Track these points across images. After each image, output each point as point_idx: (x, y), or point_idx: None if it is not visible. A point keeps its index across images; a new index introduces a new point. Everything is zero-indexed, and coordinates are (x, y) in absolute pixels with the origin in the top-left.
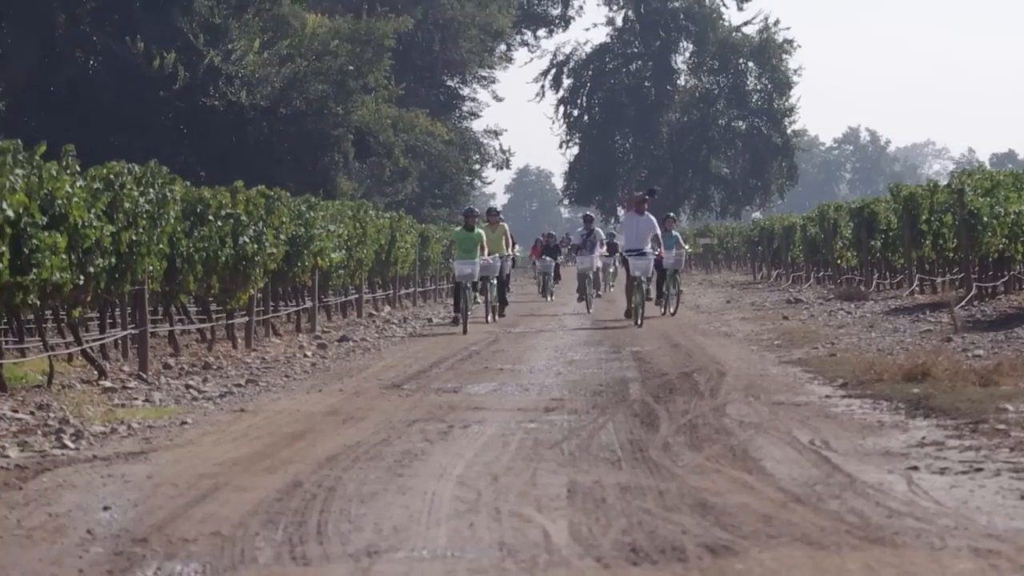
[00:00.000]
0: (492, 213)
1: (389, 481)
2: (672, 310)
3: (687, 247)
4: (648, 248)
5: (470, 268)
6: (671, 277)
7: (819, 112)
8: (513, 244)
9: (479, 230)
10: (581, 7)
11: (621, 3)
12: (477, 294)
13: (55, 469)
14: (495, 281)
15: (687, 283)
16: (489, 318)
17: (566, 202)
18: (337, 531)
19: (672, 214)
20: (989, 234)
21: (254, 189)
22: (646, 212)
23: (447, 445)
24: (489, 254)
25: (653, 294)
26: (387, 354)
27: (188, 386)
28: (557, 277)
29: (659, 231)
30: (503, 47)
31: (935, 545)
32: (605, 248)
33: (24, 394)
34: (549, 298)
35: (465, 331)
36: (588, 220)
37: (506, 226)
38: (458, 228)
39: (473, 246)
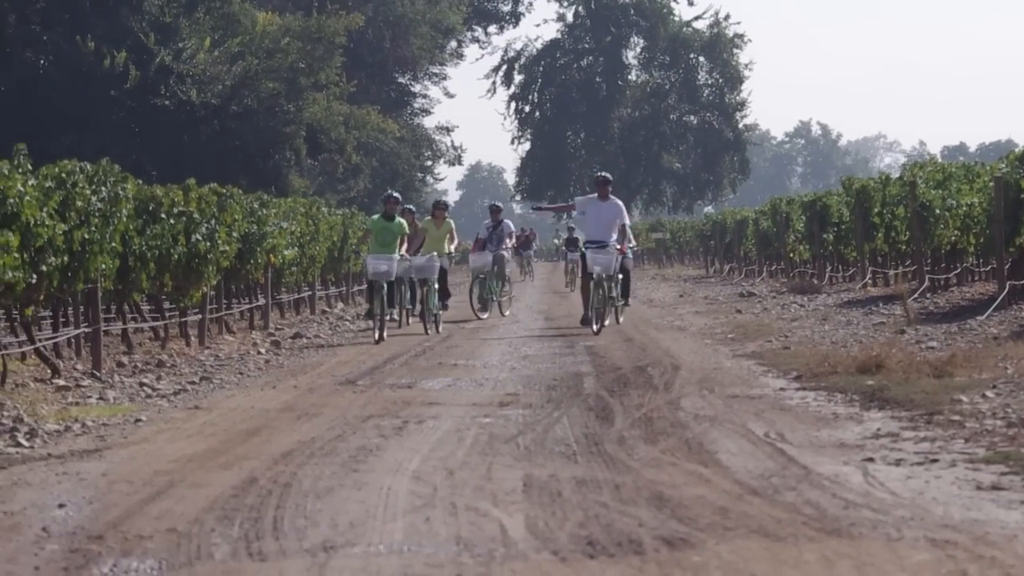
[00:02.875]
0: (439, 207)
1: (344, 476)
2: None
3: (632, 243)
4: (614, 239)
5: (386, 265)
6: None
7: (770, 106)
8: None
9: (400, 220)
10: (531, 3)
11: None
12: (406, 299)
13: (9, 467)
14: (435, 285)
15: (640, 277)
16: (429, 329)
17: (518, 198)
18: (293, 527)
19: None
20: (941, 226)
21: (206, 187)
22: (610, 196)
23: (402, 440)
24: (425, 253)
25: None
26: (341, 350)
27: (142, 384)
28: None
29: (627, 219)
30: (454, 44)
31: (892, 536)
32: (513, 241)
33: None
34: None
35: (378, 340)
36: (495, 211)
37: (452, 223)
38: (376, 216)
39: (392, 238)
